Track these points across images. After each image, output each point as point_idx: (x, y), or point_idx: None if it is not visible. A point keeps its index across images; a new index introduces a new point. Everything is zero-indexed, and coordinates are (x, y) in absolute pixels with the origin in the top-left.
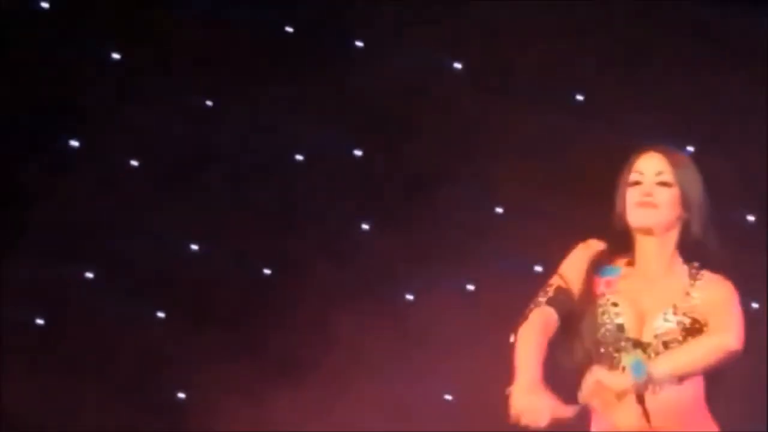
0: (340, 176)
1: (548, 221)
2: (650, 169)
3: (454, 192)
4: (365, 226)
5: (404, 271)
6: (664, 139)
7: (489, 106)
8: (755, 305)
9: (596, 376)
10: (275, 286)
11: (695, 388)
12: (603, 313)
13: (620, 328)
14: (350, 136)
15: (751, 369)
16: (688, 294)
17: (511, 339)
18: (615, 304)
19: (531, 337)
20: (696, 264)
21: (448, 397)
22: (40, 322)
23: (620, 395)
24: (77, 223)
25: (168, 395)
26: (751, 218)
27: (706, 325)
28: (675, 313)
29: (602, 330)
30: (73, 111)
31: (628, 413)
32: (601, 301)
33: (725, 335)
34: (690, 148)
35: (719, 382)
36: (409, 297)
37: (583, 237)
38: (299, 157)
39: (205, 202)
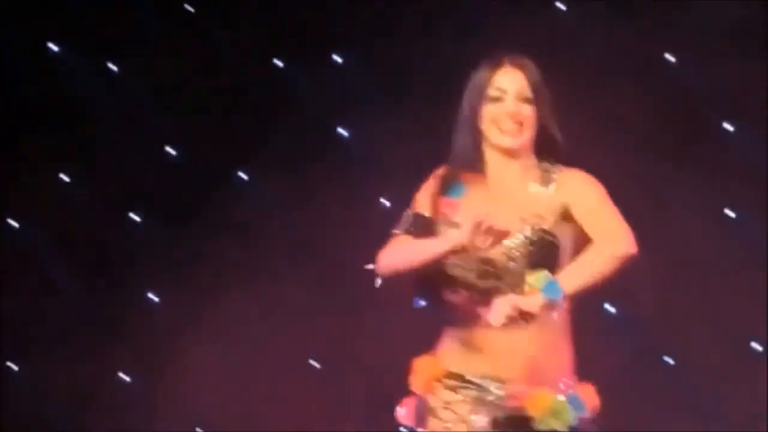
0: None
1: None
2: (511, 86)
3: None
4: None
5: None
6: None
7: None
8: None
9: (510, 300)
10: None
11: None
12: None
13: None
14: None
15: None
16: (541, 203)
17: (370, 266)
18: (456, 224)
19: (403, 241)
20: (549, 161)
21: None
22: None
23: (529, 317)
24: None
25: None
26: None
27: (556, 237)
28: (525, 227)
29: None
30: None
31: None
32: (444, 223)
33: (616, 243)
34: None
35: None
36: None
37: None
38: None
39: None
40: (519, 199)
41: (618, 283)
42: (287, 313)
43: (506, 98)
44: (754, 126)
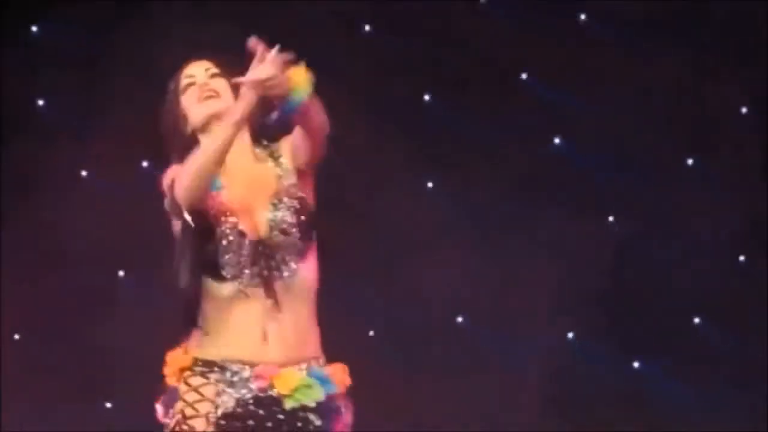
0: None
1: None
2: (199, 69)
3: None
4: None
5: None
6: None
7: None
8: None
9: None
10: None
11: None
12: (220, 226)
13: (242, 234)
14: None
15: None
16: (280, 176)
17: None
18: (228, 215)
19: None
20: (264, 142)
21: None
22: None
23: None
24: None
25: None
26: None
27: (310, 201)
28: (281, 200)
29: (222, 243)
30: None
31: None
32: (213, 216)
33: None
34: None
35: None
36: None
37: None
38: None
39: None
40: (261, 176)
41: None
42: None
43: (197, 78)
44: None
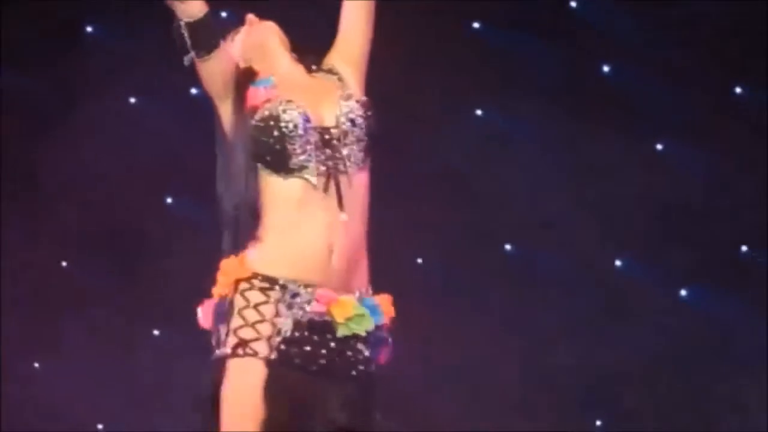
0: None
1: None
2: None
3: None
4: None
5: None
6: None
7: None
8: None
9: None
10: None
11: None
12: (284, 112)
13: (307, 119)
14: None
15: None
16: (342, 84)
17: None
18: (289, 101)
19: None
20: (313, 67)
21: None
22: None
23: None
24: None
25: None
26: None
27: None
28: (349, 96)
29: (285, 129)
30: None
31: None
32: (272, 105)
33: None
34: None
35: None
36: None
37: None
38: None
39: None
40: (327, 86)
41: None
42: None
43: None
44: None
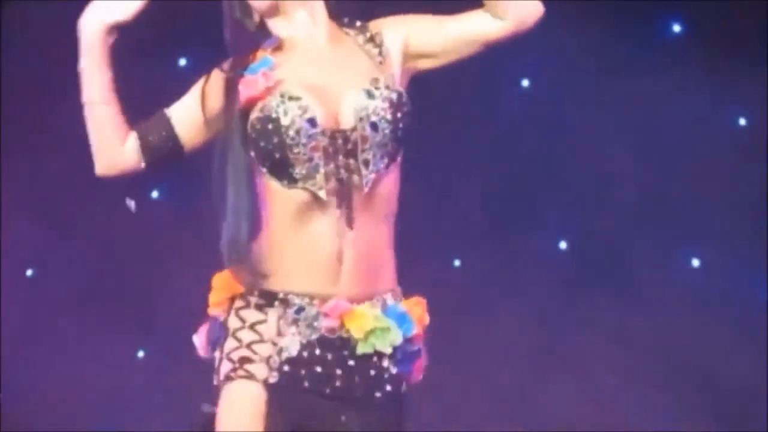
0: None
1: None
2: None
3: None
4: None
5: None
6: None
7: None
8: None
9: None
10: None
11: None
12: (284, 113)
13: (312, 122)
14: None
15: None
16: (381, 62)
17: None
18: (295, 98)
19: None
20: (357, 23)
21: None
22: None
23: None
24: None
25: None
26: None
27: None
28: (377, 87)
29: (286, 136)
30: None
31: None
32: (269, 101)
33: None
34: None
35: None
36: None
37: None
38: None
39: None
40: (347, 58)
41: None
42: None
43: None
44: None
